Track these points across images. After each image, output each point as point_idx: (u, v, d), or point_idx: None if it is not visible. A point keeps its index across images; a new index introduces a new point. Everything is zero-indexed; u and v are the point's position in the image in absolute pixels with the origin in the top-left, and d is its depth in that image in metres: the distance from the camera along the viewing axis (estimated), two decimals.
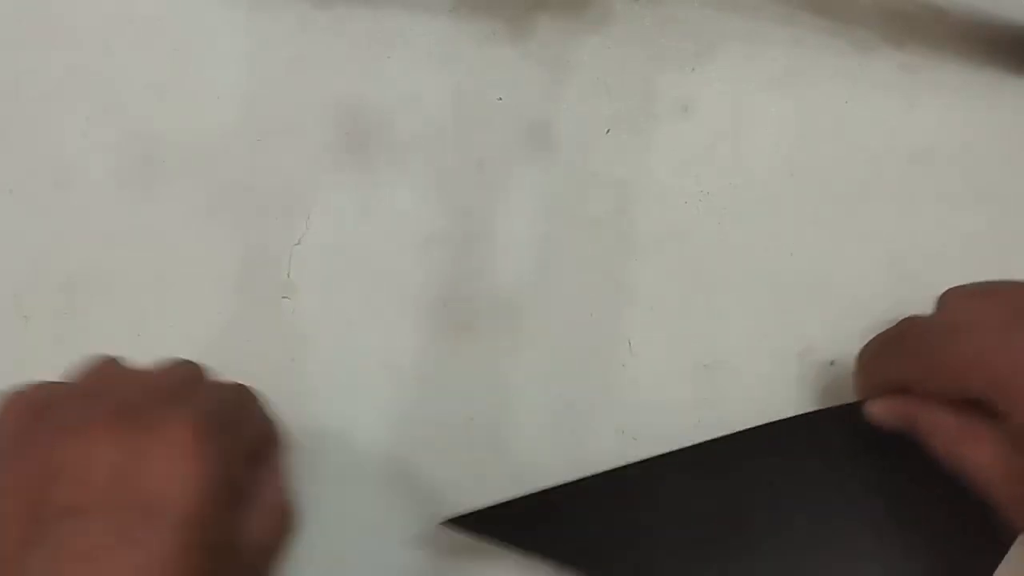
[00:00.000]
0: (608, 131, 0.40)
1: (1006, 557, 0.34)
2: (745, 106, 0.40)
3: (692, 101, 0.40)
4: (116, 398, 0.29)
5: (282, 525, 0.31)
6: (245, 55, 0.40)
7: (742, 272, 0.40)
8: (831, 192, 0.39)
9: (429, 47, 0.41)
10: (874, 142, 0.40)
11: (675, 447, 0.35)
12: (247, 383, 0.39)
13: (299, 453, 0.39)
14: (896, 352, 0.34)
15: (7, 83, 0.40)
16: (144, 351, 0.39)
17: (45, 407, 0.29)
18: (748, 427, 0.35)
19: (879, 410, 0.34)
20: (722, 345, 0.40)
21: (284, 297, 0.39)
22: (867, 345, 0.35)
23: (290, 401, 0.39)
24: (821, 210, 0.39)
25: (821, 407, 0.37)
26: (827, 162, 0.40)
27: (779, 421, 0.35)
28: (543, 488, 0.34)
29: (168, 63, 0.41)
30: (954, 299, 0.33)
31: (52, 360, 0.39)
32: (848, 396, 0.36)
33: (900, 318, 0.38)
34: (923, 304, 0.39)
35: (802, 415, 0.36)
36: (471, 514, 0.34)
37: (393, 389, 0.39)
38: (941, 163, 0.40)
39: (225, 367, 0.39)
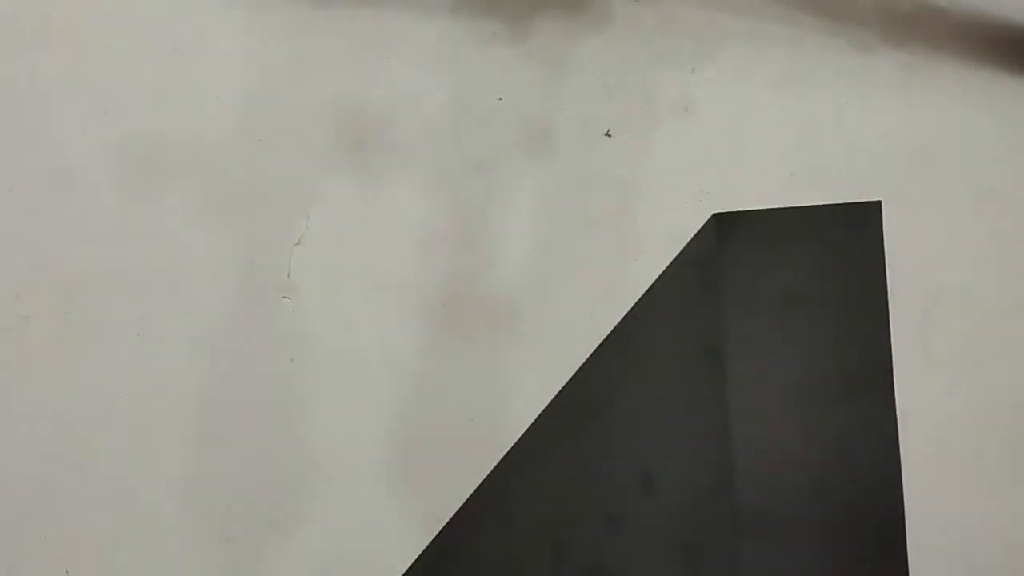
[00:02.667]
0: (608, 131, 0.40)
1: None
2: (745, 106, 0.40)
3: (692, 101, 0.40)
4: None
5: None
6: (245, 55, 0.40)
7: None
8: (830, 192, 0.39)
9: (429, 47, 0.40)
10: (874, 141, 0.40)
11: None
12: (247, 383, 0.39)
13: (299, 453, 0.39)
14: None
15: (7, 83, 0.40)
16: (144, 351, 0.39)
17: None
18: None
19: None
20: None
21: (284, 297, 0.39)
22: None
23: (290, 401, 0.39)
24: None
25: None
26: (827, 162, 0.40)
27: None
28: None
29: (168, 63, 0.40)
30: None
31: (52, 360, 0.39)
32: None
33: (898, 316, 0.38)
34: (923, 303, 0.39)
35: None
36: None
37: (393, 389, 0.39)
38: (941, 162, 0.39)
39: (225, 367, 0.39)
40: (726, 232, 0.39)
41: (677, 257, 0.39)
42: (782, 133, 0.40)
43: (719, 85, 0.40)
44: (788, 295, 0.38)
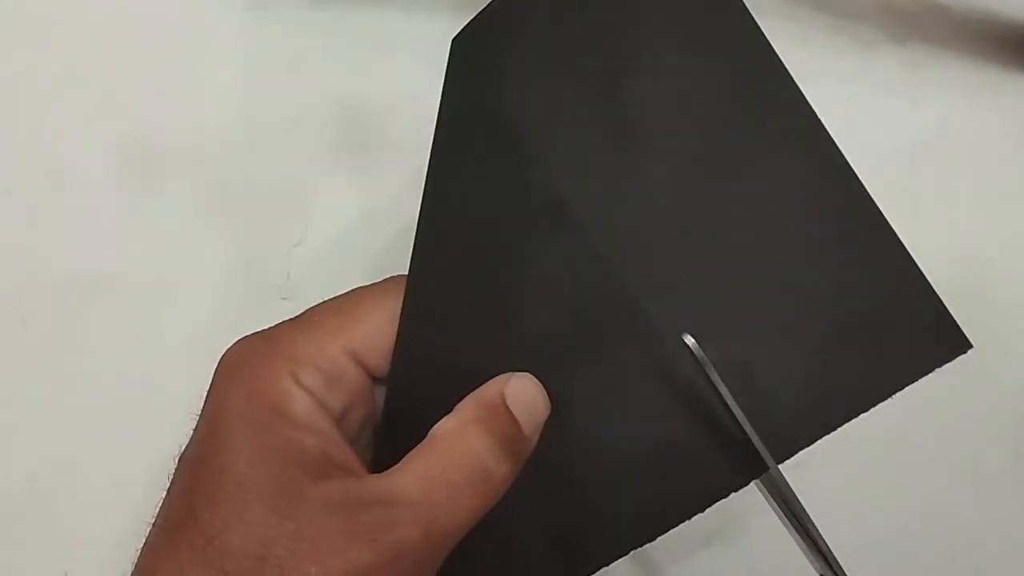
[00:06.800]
0: None
1: None
2: None
3: None
4: None
5: None
6: (245, 55, 0.40)
7: None
8: None
9: (429, 47, 0.40)
10: (877, 140, 0.39)
11: None
12: None
13: None
14: None
15: (7, 83, 0.40)
16: (143, 351, 0.39)
17: None
18: None
19: None
20: None
21: (284, 298, 0.39)
22: None
23: None
24: None
25: None
26: None
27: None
28: None
29: (168, 63, 0.41)
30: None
31: (51, 361, 0.39)
32: None
33: None
34: None
35: None
36: None
37: None
38: (943, 160, 0.39)
39: None
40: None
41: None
42: None
43: None
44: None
